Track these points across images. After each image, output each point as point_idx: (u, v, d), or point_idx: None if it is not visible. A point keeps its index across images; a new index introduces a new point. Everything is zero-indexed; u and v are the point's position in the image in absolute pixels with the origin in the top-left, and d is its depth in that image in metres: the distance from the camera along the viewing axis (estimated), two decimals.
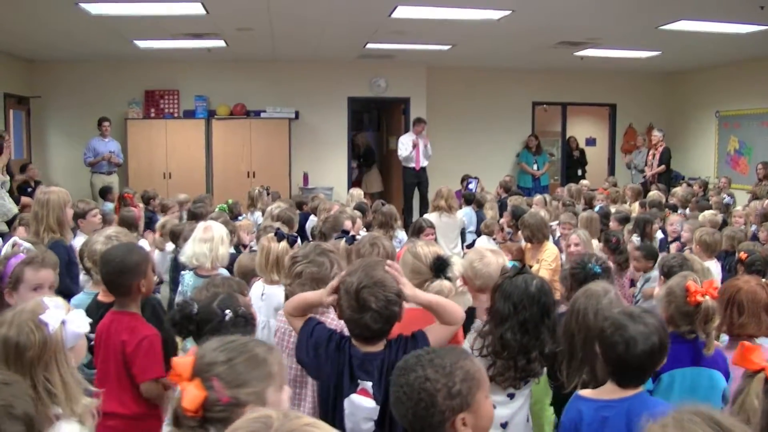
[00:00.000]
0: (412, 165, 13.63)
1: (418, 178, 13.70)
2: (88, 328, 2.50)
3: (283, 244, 4.23)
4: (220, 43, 11.52)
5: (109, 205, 10.27)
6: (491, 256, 3.75)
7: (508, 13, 9.09)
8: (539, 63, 14.18)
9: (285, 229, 5.41)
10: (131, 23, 9.79)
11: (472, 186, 12.41)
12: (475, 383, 2.13)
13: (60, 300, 2.52)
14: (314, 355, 2.83)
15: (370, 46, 12.06)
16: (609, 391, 2.71)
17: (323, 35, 11.10)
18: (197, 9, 8.78)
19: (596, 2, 8.80)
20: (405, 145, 13.59)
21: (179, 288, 4.84)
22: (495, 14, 9.26)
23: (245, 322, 2.86)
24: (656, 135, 13.67)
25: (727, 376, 3.22)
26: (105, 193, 11.03)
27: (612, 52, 12.53)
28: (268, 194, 10.71)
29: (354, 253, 4.25)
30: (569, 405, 2.76)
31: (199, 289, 3.55)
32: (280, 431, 1.38)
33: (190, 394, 1.87)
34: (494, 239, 7.99)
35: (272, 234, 4.40)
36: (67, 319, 2.41)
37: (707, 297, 3.21)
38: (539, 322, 3.06)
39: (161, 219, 7.72)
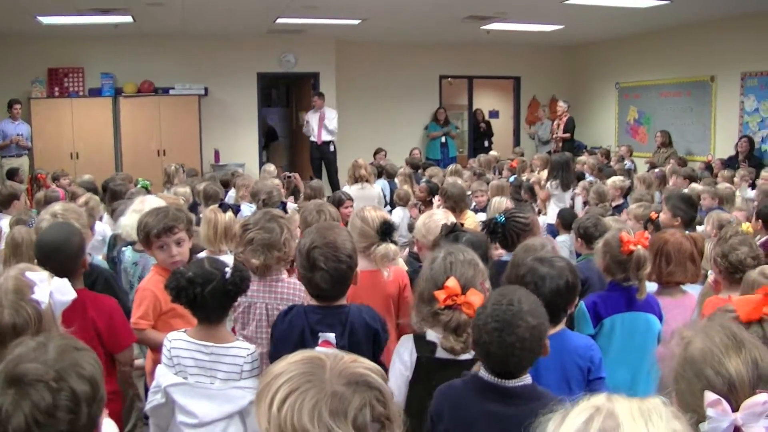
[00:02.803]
0: (313, 138, 13.76)
1: (320, 153, 13.79)
2: (74, 295, 2.52)
3: (229, 214, 4.30)
4: (128, 19, 11.24)
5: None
6: (439, 213, 3.95)
7: None
8: (446, 37, 14.39)
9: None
10: None
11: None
12: (545, 311, 2.44)
13: (41, 271, 2.51)
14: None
15: (280, 20, 11.98)
16: None
17: (235, 10, 10.97)
18: None
19: None
20: (306, 119, 13.88)
21: (122, 265, 4.82)
22: None
23: (248, 275, 2.90)
24: (561, 106, 14.15)
25: (660, 318, 3.50)
26: (12, 175, 10.65)
27: (517, 25, 12.83)
28: (183, 171, 10.64)
29: (301, 221, 4.36)
30: None
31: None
32: (335, 369, 1.44)
33: (478, 298, 2.59)
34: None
35: (216, 206, 4.48)
36: (53, 290, 2.43)
37: (639, 246, 3.47)
38: None
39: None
